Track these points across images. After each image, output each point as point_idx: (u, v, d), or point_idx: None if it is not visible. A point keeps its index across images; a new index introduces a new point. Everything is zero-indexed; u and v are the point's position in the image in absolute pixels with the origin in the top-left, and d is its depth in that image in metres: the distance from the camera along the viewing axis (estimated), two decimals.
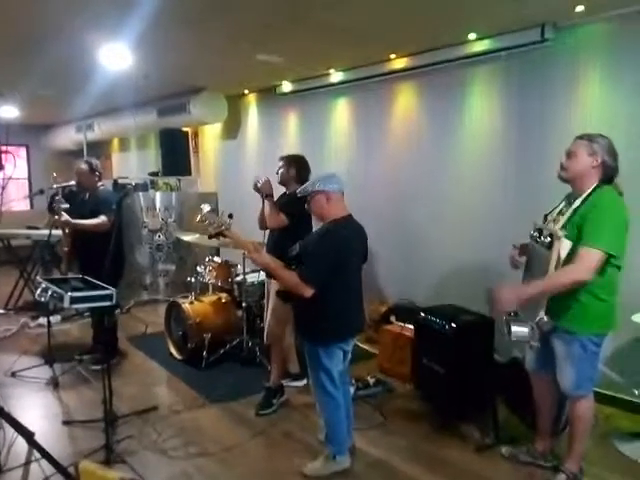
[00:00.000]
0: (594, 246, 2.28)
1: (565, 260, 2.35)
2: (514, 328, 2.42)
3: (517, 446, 2.93)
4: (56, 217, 4.12)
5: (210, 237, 2.65)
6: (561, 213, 2.51)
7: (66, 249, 4.34)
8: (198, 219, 2.56)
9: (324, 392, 2.69)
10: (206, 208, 2.57)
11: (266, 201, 3.47)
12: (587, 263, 2.28)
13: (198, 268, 4.85)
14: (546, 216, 2.62)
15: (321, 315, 2.56)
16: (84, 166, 4.23)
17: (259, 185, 3.46)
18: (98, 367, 4.08)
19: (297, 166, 3.59)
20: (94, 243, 3.89)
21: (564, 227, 2.39)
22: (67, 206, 4.15)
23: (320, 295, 2.48)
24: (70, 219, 4.10)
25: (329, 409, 2.73)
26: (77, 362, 4.24)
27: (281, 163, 3.63)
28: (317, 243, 2.57)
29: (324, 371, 2.65)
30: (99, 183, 4.28)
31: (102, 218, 4.04)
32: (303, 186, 2.69)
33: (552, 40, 3.72)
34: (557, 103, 3.76)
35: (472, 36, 4.04)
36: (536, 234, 2.55)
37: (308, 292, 2.46)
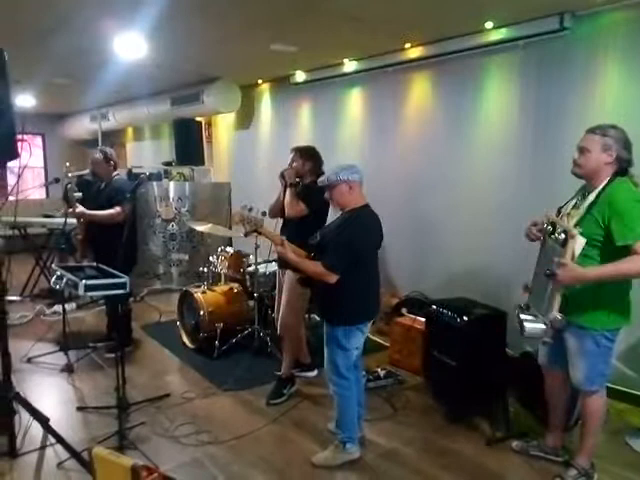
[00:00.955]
0: None
1: (585, 257, 2.31)
2: (527, 325, 2.40)
3: (528, 440, 2.92)
4: (70, 209, 4.14)
5: (246, 235, 2.82)
6: (575, 207, 2.47)
7: (79, 237, 4.37)
8: (237, 219, 2.68)
9: (338, 374, 2.74)
10: (244, 207, 2.70)
11: (288, 190, 3.49)
12: None
13: (211, 258, 4.88)
14: (560, 209, 2.57)
15: (342, 298, 2.65)
16: (99, 155, 4.24)
17: (285, 173, 3.52)
18: (112, 355, 4.15)
19: (313, 159, 3.60)
20: (108, 232, 3.92)
21: (579, 223, 2.35)
22: (80, 195, 4.16)
23: (342, 280, 2.57)
24: (85, 210, 4.11)
25: (341, 392, 2.77)
26: (92, 349, 4.31)
27: (294, 156, 3.60)
28: (339, 231, 2.64)
29: (342, 351, 2.71)
30: (114, 172, 4.29)
31: (117, 209, 4.05)
32: (325, 175, 2.74)
33: (571, 29, 3.65)
34: (575, 93, 3.69)
35: (489, 25, 3.98)
36: (550, 228, 2.50)
37: (333, 279, 2.56)
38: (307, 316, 4.27)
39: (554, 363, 2.66)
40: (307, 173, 3.56)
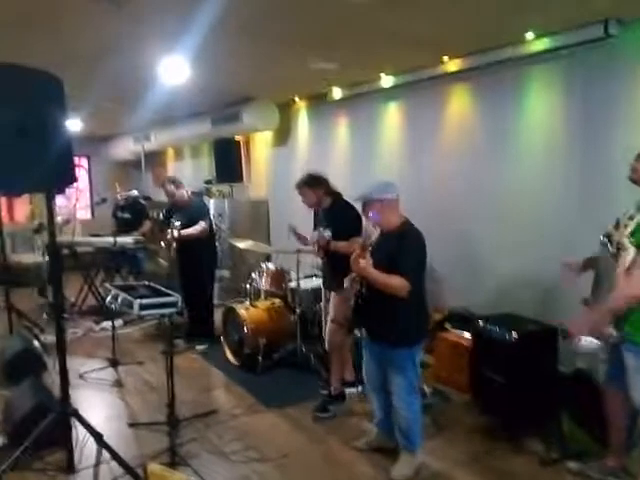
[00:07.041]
0: None
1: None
2: (582, 340, 2.35)
3: (586, 461, 2.81)
4: (168, 231, 4.62)
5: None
6: (630, 218, 2.41)
7: (163, 244, 4.90)
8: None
9: (413, 391, 2.80)
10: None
11: (338, 249, 3.37)
12: None
13: (252, 274, 4.93)
14: (618, 220, 2.51)
15: (413, 315, 2.74)
16: (171, 187, 4.86)
17: (317, 246, 3.52)
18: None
19: (321, 183, 3.60)
20: (192, 247, 4.67)
21: (633, 234, 2.29)
22: (179, 223, 4.57)
23: (413, 295, 2.61)
24: (182, 232, 4.56)
25: (415, 407, 2.83)
26: (138, 363, 4.44)
27: (302, 190, 3.61)
28: (404, 245, 2.65)
29: (417, 368, 2.81)
30: (186, 193, 4.95)
31: (202, 224, 4.73)
32: (371, 192, 2.74)
33: (616, 37, 3.55)
34: (623, 103, 3.58)
35: (530, 35, 3.92)
36: (606, 240, 2.45)
37: (406, 292, 2.58)
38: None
39: (613, 382, 2.57)
40: (323, 197, 3.58)
